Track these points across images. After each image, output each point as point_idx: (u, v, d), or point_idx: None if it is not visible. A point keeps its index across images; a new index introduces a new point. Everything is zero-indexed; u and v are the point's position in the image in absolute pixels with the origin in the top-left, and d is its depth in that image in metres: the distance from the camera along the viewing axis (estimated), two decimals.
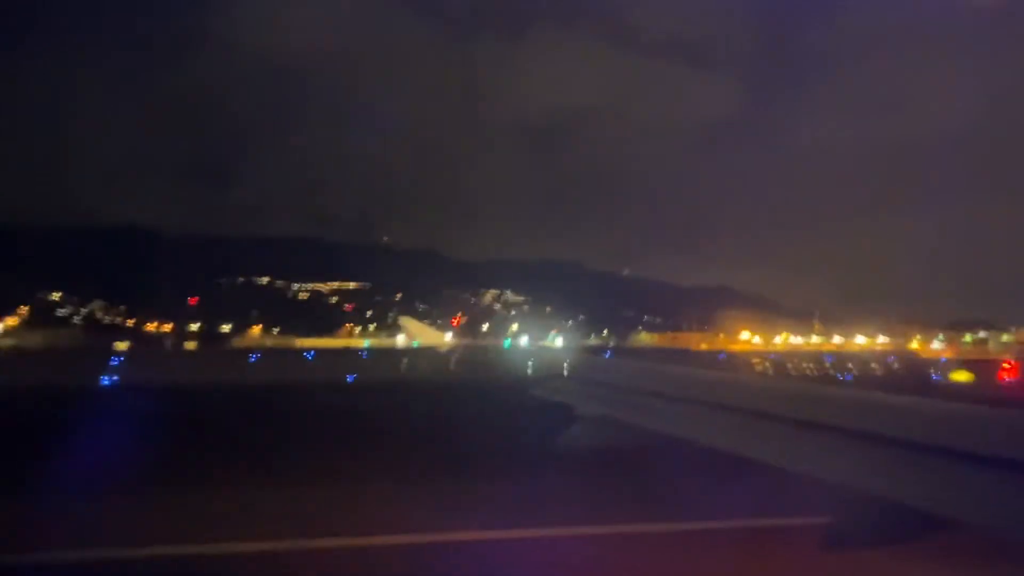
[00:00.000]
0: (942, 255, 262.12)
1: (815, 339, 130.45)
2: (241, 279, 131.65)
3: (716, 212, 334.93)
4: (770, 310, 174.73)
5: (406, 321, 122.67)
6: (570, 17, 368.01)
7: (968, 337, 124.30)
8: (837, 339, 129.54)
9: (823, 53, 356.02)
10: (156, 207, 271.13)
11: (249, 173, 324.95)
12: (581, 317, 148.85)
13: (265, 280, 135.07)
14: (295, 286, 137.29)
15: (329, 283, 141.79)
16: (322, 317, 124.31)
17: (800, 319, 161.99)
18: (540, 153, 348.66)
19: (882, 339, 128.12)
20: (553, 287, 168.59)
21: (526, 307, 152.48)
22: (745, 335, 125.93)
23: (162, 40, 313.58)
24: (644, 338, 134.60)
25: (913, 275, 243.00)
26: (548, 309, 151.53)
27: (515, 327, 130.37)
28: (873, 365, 54.68)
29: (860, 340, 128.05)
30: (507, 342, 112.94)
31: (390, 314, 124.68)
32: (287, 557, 8.89)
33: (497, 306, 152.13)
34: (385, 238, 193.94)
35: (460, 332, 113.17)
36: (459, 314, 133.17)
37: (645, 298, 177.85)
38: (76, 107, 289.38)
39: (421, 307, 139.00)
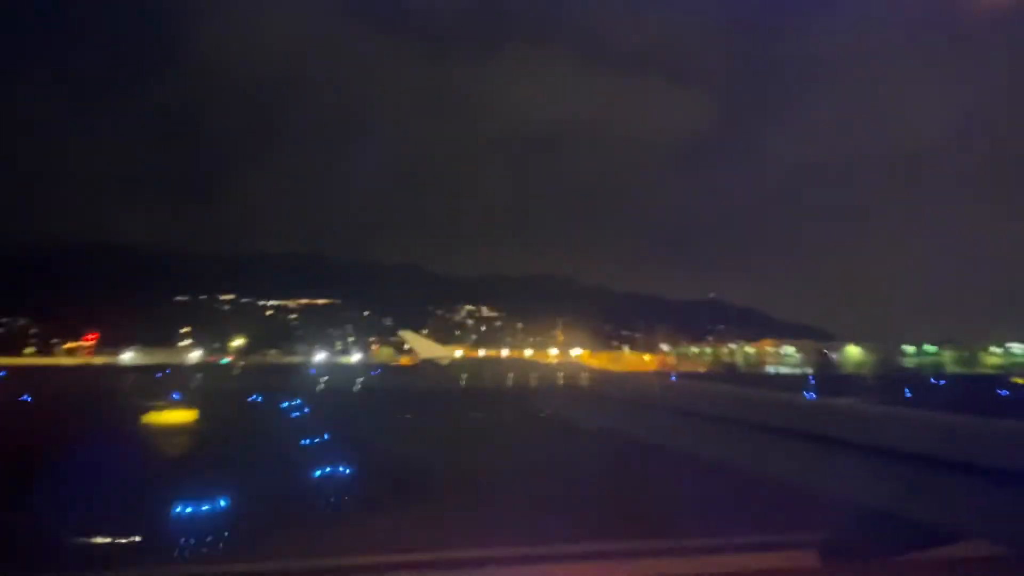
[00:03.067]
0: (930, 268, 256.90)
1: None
2: (204, 296, 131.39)
3: (706, 225, 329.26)
4: (761, 323, 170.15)
5: (407, 335, 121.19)
6: (545, 34, 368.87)
7: (695, 349, 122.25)
8: (553, 351, 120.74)
9: (799, 66, 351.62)
10: (142, 224, 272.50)
11: (234, 190, 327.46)
12: (555, 332, 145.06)
13: (230, 297, 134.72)
14: (261, 303, 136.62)
15: (297, 300, 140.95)
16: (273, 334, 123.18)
17: (792, 332, 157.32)
18: (526, 168, 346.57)
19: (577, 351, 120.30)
20: (545, 302, 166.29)
21: (498, 322, 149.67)
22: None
23: (144, 57, 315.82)
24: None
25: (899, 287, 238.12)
26: (519, 325, 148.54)
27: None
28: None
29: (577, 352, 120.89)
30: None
31: (346, 327, 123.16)
32: None
33: (470, 321, 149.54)
34: (368, 253, 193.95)
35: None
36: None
37: (635, 312, 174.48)
38: (57, 124, 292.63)
39: (387, 322, 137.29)
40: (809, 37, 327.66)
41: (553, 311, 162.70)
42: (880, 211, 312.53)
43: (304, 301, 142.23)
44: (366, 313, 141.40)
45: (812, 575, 7.85)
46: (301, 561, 9.70)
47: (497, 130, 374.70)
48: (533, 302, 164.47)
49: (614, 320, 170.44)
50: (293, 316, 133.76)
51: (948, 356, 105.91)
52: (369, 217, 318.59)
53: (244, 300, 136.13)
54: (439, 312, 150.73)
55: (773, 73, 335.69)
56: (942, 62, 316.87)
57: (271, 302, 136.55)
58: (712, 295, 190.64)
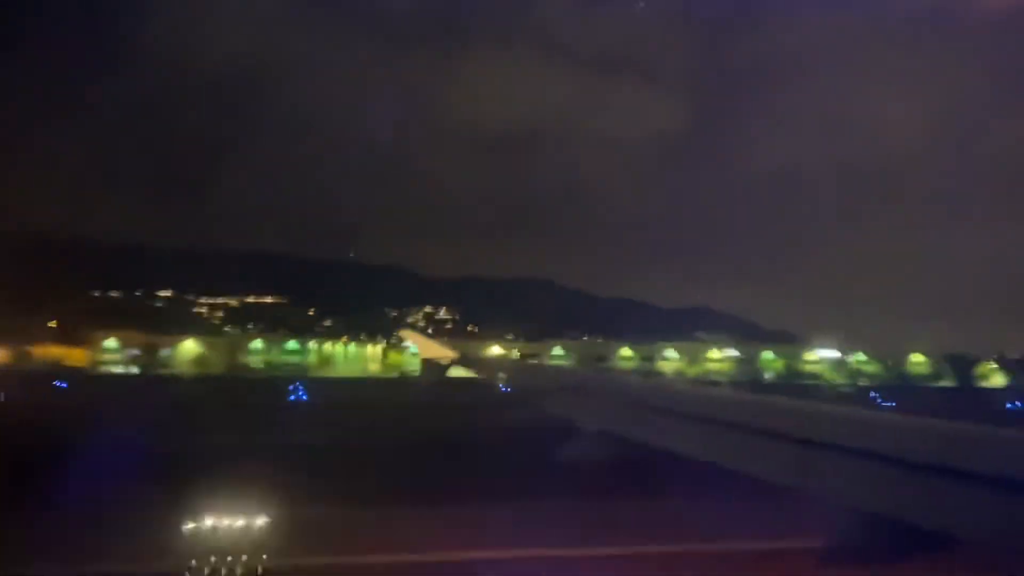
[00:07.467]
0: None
1: None
2: (139, 292, 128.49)
3: (694, 230, 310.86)
4: (747, 330, 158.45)
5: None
6: (517, 34, 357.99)
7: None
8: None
9: (770, 68, 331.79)
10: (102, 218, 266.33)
11: (211, 187, 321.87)
12: (509, 336, 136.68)
13: (168, 293, 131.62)
14: (196, 299, 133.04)
15: (242, 297, 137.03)
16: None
17: (775, 339, 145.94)
18: (505, 169, 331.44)
19: None
20: (516, 305, 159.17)
21: (449, 325, 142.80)
22: None
23: (107, 51, 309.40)
24: None
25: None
26: (471, 328, 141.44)
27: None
28: None
29: None
30: None
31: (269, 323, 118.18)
32: None
33: (422, 323, 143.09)
34: (351, 254, 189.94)
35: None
36: None
37: (613, 317, 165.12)
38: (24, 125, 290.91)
39: (328, 322, 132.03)
40: (789, 36, 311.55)
41: (522, 314, 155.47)
42: (864, 217, 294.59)
43: (251, 299, 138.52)
44: (311, 311, 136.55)
45: None
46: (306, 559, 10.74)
47: (471, 130, 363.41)
48: (502, 305, 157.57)
49: (593, 326, 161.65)
50: (219, 314, 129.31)
51: None
52: (340, 215, 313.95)
53: (187, 297, 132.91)
54: (393, 314, 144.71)
55: (750, 73, 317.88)
56: (925, 63, 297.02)
57: (205, 299, 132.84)
58: (699, 303, 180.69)
